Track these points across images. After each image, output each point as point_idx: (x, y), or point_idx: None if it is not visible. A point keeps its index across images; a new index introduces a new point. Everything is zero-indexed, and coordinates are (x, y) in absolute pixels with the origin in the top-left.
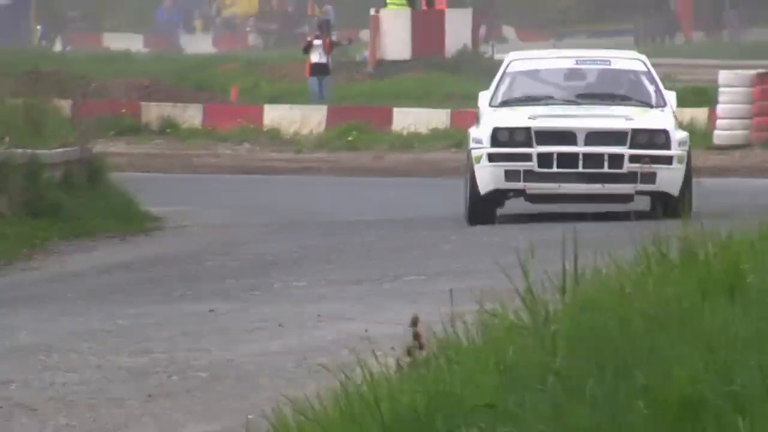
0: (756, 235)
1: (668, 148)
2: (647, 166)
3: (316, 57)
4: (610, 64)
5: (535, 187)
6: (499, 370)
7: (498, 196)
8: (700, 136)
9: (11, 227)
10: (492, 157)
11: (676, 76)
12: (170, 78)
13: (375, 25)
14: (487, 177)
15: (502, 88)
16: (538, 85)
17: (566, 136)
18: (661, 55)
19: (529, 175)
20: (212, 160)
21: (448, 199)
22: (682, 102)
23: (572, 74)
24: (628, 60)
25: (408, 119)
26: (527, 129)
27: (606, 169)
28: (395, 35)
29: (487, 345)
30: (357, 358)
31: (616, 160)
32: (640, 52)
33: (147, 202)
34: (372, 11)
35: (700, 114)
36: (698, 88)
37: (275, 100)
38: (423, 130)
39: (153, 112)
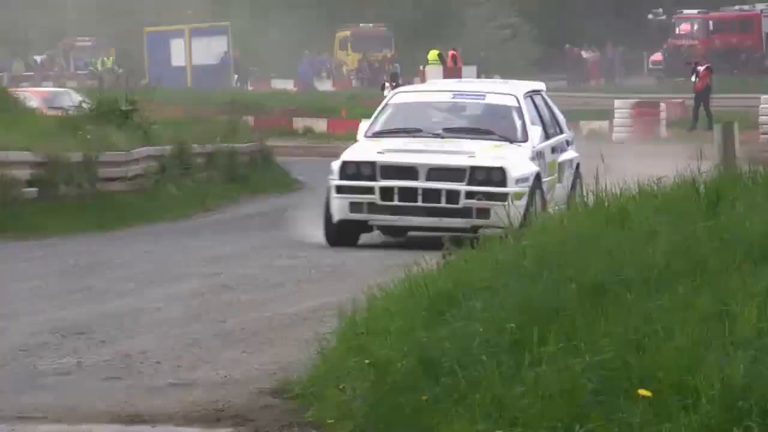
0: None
1: (504, 185)
2: (481, 202)
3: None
4: (484, 99)
5: (378, 219)
6: (493, 267)
7: (352, 224)
8: (603, 135)
9: (218, 188)
10: (339, 189)
11: (589, 103)
12: (308, 105)
13: (422, 76)
14: (336, 207)
15: (381, 119)
16: (413, 118)
17: (409, 171)
18: (581, 91)
19: (373, 208)
20: (331, 151)
21: None
22: (592, 116)
23: (448, 108)
24: (502, 95)
25: None
26: (372, 163)
27: (443, 204)
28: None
29: (486, 254)
30: (414, 261)
31: (452, 195)
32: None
33: (295, 174)
34: (420, 67)
35: (604, 124)
36: (602, 110)
37: (367, 116)
38: None
39: (299, 123)
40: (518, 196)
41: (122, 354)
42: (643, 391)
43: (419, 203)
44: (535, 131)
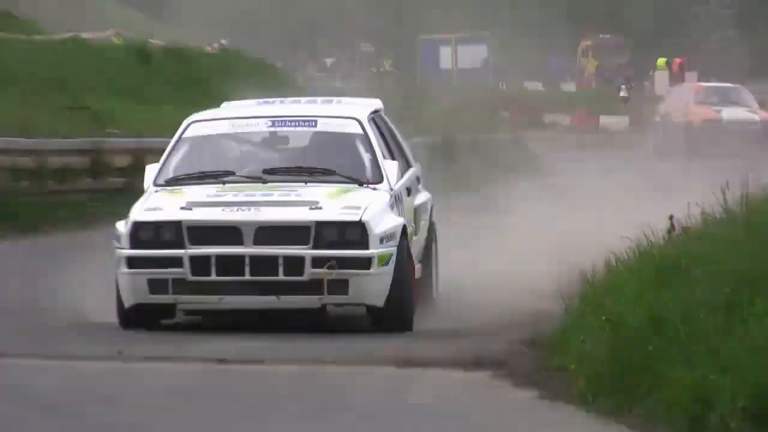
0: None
1: (365, 246)
2: (335, 271)
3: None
4: (315, 126)
5: (189, 300)
6: (711, 241)
7: (153, 308)
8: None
9: (479, 171)
10: (132, 262)
11: None
12: (555, 101)
13: (651, 81)
14: (128, 288)
15: (174, 159)
16: (219, 156)
17: (229, 233)
18: None
19: (181, 285)
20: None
21: None
22: None
23: (267, 140)
24: (340, 119)
25: None
26: (178, 223)
27: (281, 277)
28: None
29: (704, 229)
30: (645, 235)
31: (294, 264)
32: None
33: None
34: (650, 72)
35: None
36: None
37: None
38: None
39: (547, 117)
40: (384, 259)
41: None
42: None
43: (247, 277)
44: (391, 167)
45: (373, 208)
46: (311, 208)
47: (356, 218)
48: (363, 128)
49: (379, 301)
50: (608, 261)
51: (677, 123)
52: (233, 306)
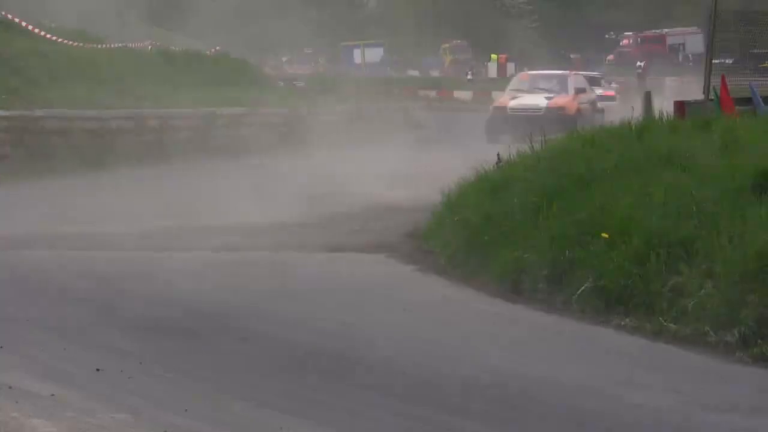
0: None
1: None
2: None
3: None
4: None
5: None
6: (524, 167)
7: None
8: None
9: None
10: None
11: None
12: (427, 83)
13: None
14: None
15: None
16: None
17: None
18: None
19: None
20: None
21: None
22: None
23: None
24: None
25: None
26: None
27: None
28: None
29: (520, 160)
30: (482, 166)
31: None
32: None
33: None
34: None
35: None
36: None
37: None
38: None
39: (421, 93)
40: None
41: (329, 214)
42: (603, 234)
43: None
44: None
45: None
46: None
47: None
48: None
49: None
50: (459, 182)
51: (490, 108)
52: None
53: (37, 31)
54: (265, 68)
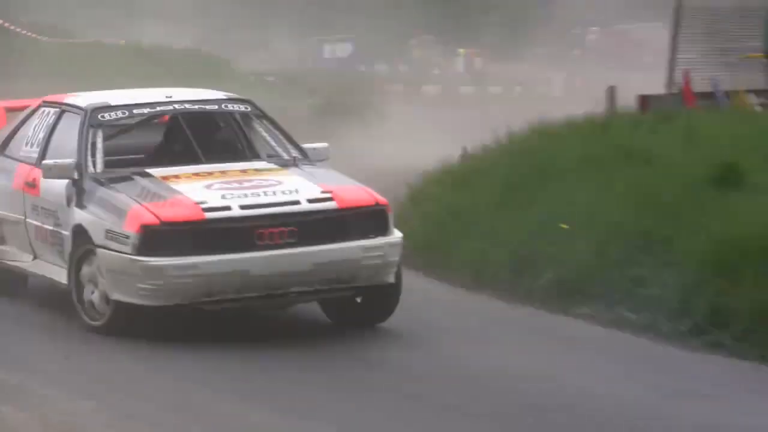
0: None
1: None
2: None
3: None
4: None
5: None
6: (487, 161)
7: None
8: None
9: None
10: None
11: None
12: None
13: None
14: None
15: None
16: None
17: None
18: None
19: None
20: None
21: None
22: None
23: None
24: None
25: None
26: None
27: None
28: None
29: (484, 155)
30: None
31: None
32: None
33: None
34: None
35: None
36: None
37: None
38: None
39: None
40: None
41: None
42: (563, 225)
43: None
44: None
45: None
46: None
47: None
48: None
49: None
50: (423, 175)
51: None
52: None
53: (7, 25)
54: (237, 63)
